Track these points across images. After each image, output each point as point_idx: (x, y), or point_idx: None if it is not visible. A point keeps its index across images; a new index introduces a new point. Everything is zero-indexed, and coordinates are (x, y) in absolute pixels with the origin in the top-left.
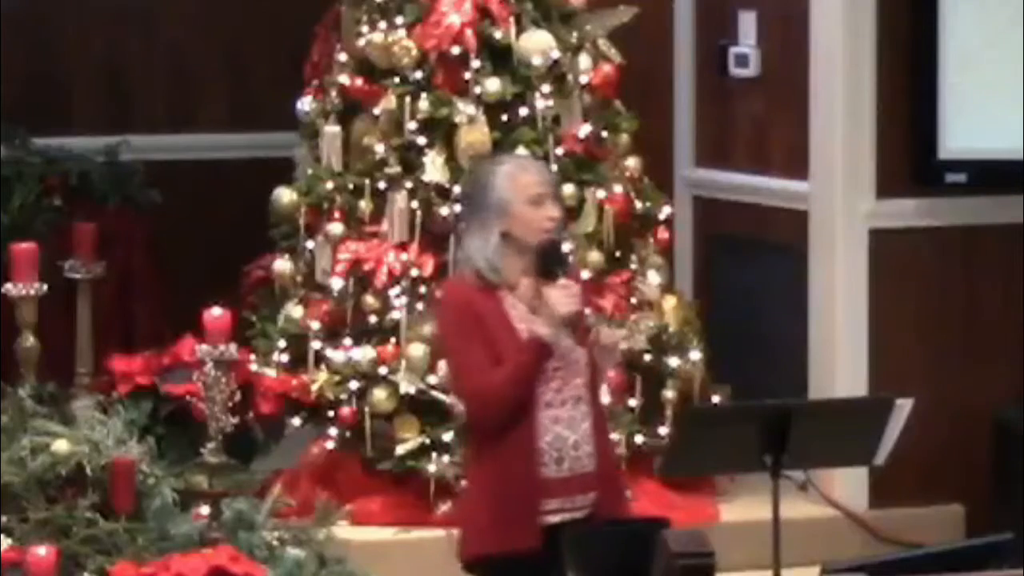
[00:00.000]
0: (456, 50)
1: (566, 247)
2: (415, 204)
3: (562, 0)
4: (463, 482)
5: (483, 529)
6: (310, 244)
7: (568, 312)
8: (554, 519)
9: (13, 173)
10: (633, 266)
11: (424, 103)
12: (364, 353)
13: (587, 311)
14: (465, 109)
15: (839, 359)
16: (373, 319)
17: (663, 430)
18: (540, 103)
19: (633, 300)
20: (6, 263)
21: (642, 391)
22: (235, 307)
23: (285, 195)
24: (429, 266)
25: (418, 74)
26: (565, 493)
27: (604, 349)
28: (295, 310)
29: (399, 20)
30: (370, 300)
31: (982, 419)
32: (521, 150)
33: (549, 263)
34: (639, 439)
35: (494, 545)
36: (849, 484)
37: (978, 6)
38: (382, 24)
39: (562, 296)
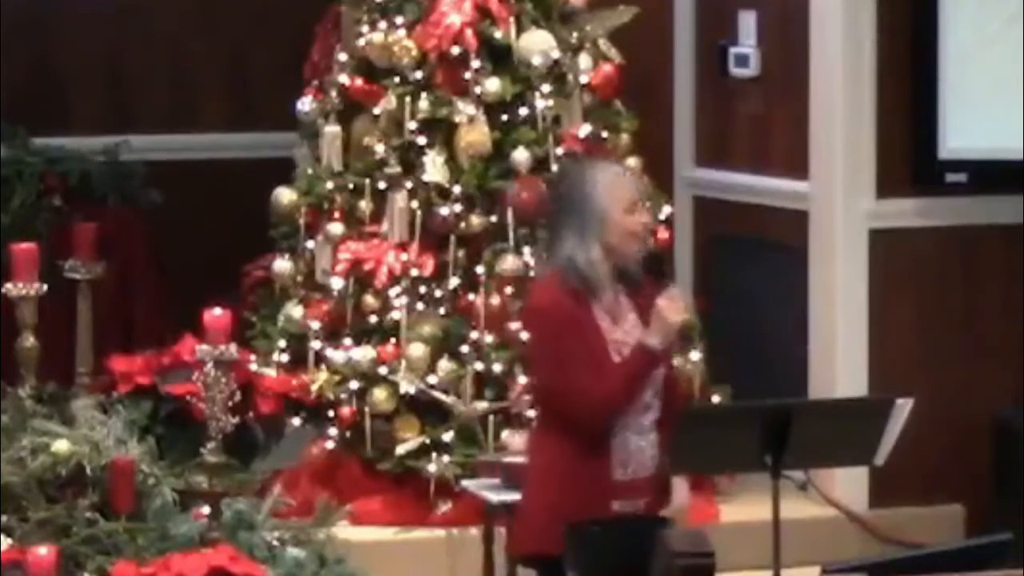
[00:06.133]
0: (456, 50)
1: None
2: (415, 204)
3: (562, 0)
4: (464, 483)
5: (544, 527)
6: (310, 244)
7: (680, 322)
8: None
9: (13, 173)
10: None
11: (424, 103)
12: (364, 353)
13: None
14: (465, 109)
15: (839, 359)
16: (373, 319)
17: None
18: (540, 103)
19: None
20: (6, 263)
21: None
22: (235, 307)
23: (285, 195)
24: (429, 266)
25: (418, 74)
26: (627, 495)
27: (661, 321)
28: (295, 310)
29: (399, 20)
30: (370, 300)
31: (982, 419)
32: (521, 150)
33: (653, 271)
34: None
35: (555, 545)
36: (849, 484)
37: (978, 5)
38: (382, 24)
39: (673, 307)
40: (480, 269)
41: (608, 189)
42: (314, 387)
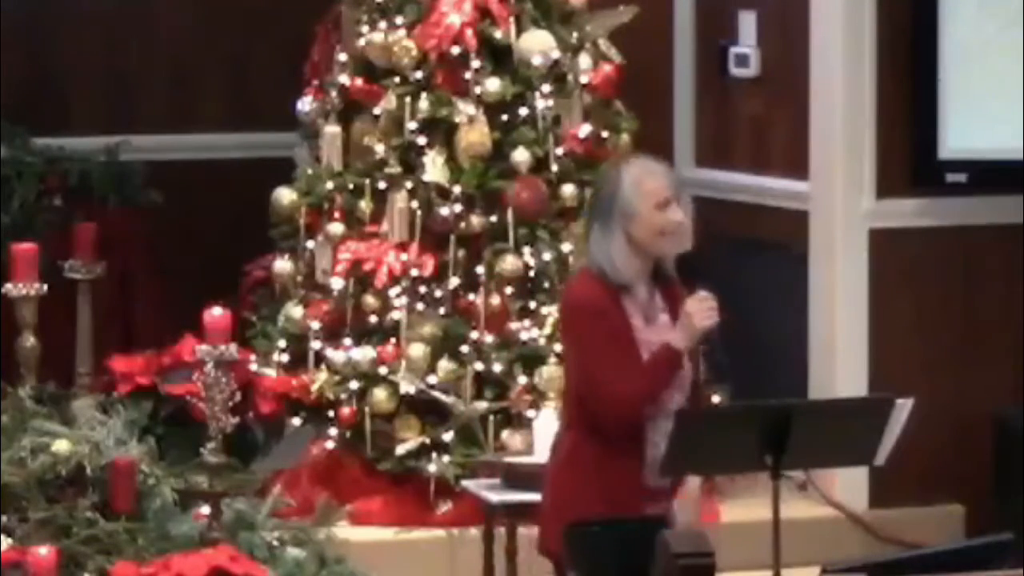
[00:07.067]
0: (456, 50)
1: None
2: (415, 204)
3: (562, 0)
4: (464, 483)
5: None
6: (310, 244)
7: (708, 326)
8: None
9: (13, 173)
10: None
11: (424, 103)
12: (364, 353)
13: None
14: (465, 109)
15: (839, 359)
16: (373, 319)
17: None
18: (540, 103)
19: None
20: (6, 263)
21: None
22: (235, 307)
23: (285, 195)
24: (429, 266)
25: (418, 74)
26: (658, 500)
27: (687, 323)
28: (295, 310)
29: (399, 20)
30: (370, 300)
31: (982, 419)
32: (521, 150)
33: (688, 274)
34: None
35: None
36: (849, 484)
37: (978, 6)
38: (382, 24)
39: (702, 310)
40: (480, 269)
41: (635, 184)
42: (314, 387)
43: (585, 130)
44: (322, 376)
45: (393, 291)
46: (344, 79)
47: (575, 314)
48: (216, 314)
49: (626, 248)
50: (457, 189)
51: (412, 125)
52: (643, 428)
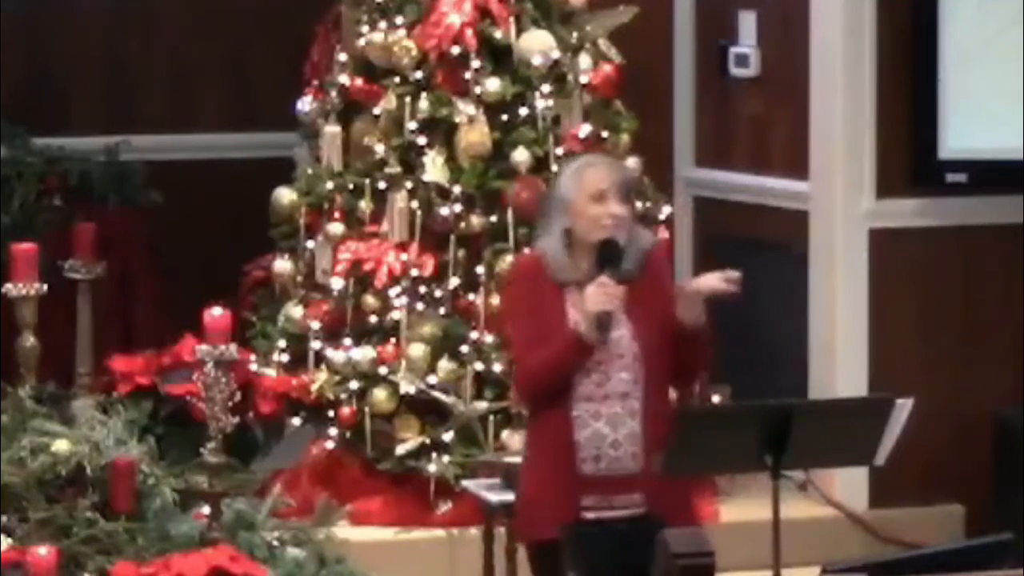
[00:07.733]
0: (456, 50)
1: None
2: (415, 204)
3: (562, 0)
4: (464, 483)
5: (521, 515)
6: (310, 244)
7: (596, 310)
8: (591, 515)
9: (13, 173)
10: None
11: (424, 103)
12: (364, 353)
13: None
14: (465, 109)
15: (839, 359)
16: (373, 319)
17: None
18: (540, 103)
19: None
20: (6, 263)
21: None
22: (235, 307)
23: (285, 195)
24: (429, 266)
25: (418, 74)
26: (601, 492)
27: (686, 300)
28: (295, 310)
29: (399, 20)
30: (370, 300)
31: (982, 419)
32: (521, 150)
33: (601, 260)
34: None
35: (526, 533)
36: (849, 484)
37: (978, 6)
38: (382, 24)
39: (597, 293)
40: (480, 269)
41: (574, 177)
42: (314, 387)
43: (585, 130)
44: (322, 376)
45: (393, 291)
46: (344, 79)
47: (511, 278)
48: (216, 314)
49: (561, 243)
50: (457, 189)
51: (412, 125)
52: (571, 412)
